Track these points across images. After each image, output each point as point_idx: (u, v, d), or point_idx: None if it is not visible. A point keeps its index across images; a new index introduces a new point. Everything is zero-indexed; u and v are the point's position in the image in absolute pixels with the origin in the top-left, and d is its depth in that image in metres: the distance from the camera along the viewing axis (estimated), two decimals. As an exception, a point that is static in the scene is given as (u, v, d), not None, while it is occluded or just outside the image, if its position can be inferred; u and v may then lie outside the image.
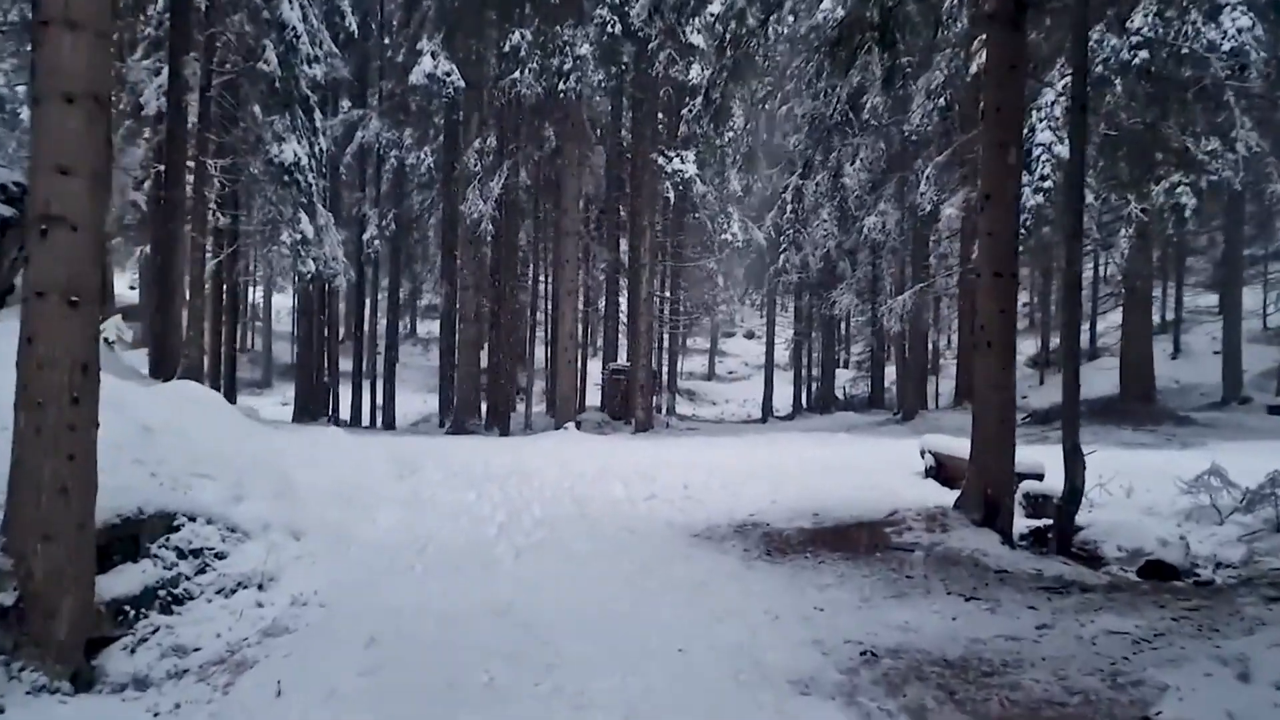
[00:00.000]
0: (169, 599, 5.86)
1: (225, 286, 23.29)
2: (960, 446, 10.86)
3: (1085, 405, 27.73)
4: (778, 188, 18.54)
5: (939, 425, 21.21)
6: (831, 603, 6.00)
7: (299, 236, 12.56)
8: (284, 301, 43.13)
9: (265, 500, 7.49)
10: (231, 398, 24.21)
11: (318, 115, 12.96)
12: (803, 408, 34.11)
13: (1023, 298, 41.12)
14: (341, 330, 38.23)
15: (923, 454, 11.26)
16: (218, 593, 6.12)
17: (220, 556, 6.39)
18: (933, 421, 22.06)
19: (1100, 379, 30.55)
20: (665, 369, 32.01)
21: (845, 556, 7.28)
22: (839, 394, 33.96)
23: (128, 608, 5.58)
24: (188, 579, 6.08)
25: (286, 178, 12.32)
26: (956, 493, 10.08)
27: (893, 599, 6.07)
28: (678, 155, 18.05)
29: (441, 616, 5.74)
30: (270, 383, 39.87)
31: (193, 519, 6.42)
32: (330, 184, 23.55)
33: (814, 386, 36.13)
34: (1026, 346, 38.41)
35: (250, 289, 47.36)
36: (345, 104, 21.16)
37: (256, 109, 14.86)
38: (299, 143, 12.28)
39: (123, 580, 5.71)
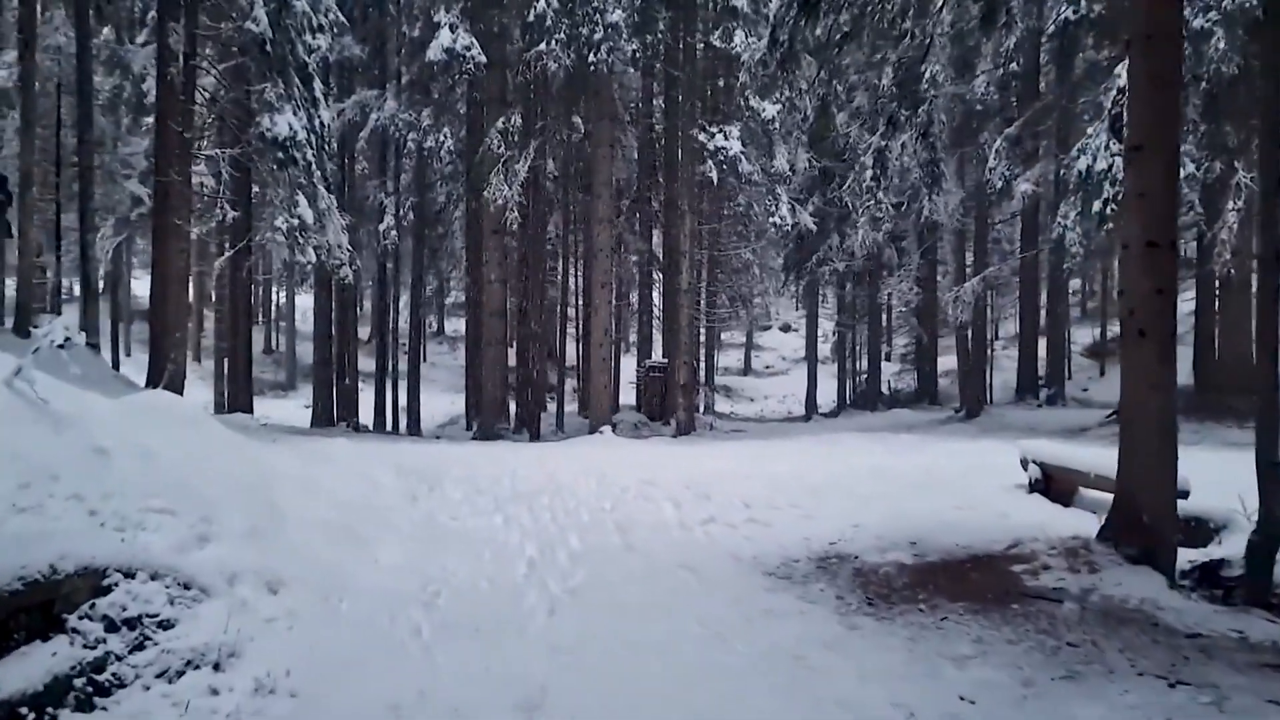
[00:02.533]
0: (89, 690, 4.38)
1: (238, 284, 22.06)
2: (1070, 455, 9.26)
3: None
4: (849, 155, 16.41)
5: (1006, 423, 19.48)
6: (982, 688, 4.40)
7: (295, 221, 11.03)
8: (310, 301, 42.05)
9: (238, 540, 6.02)
10: (248, 403, 23.02)
11: (318, 85, 11.43)
12: (847, 403, 32.40)
13: (1074, 283, 38.90)
14: (366, 330, 37.11)
15: (1024, 464, 9.59)
16: (159, 676, 4.63)
17: (166, 625, 4.90)
18: (998, 418, 20.33)
19: (1167, 369, 28.58)
20: (702, 364, 30.43)
21: (972, 608, 5.67)
22: (884, 389, 32.24)
23: (25, 710, 4.10)
24: (118, 659, 4.59)
25: (280, 154, 10.77)
26: (1075, 513, 8.49)
27: (1065, 681, 4.46)
28: (720, 131, 16.40)
29: (451, 714, 4.22)
30: (295, 385, 38.74)
31: (131, 574, 4.94)
32: (344, 171, 22.17)
33: (858, 381, 34.38)
34: (1081, 335, 36.39)
35: (275, 288, 46.45)
36: (363, 91, 19.67)
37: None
38: (295, 114, 10.76)
39: (23, 669, 4.23)
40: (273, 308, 46.72)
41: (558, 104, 19.00)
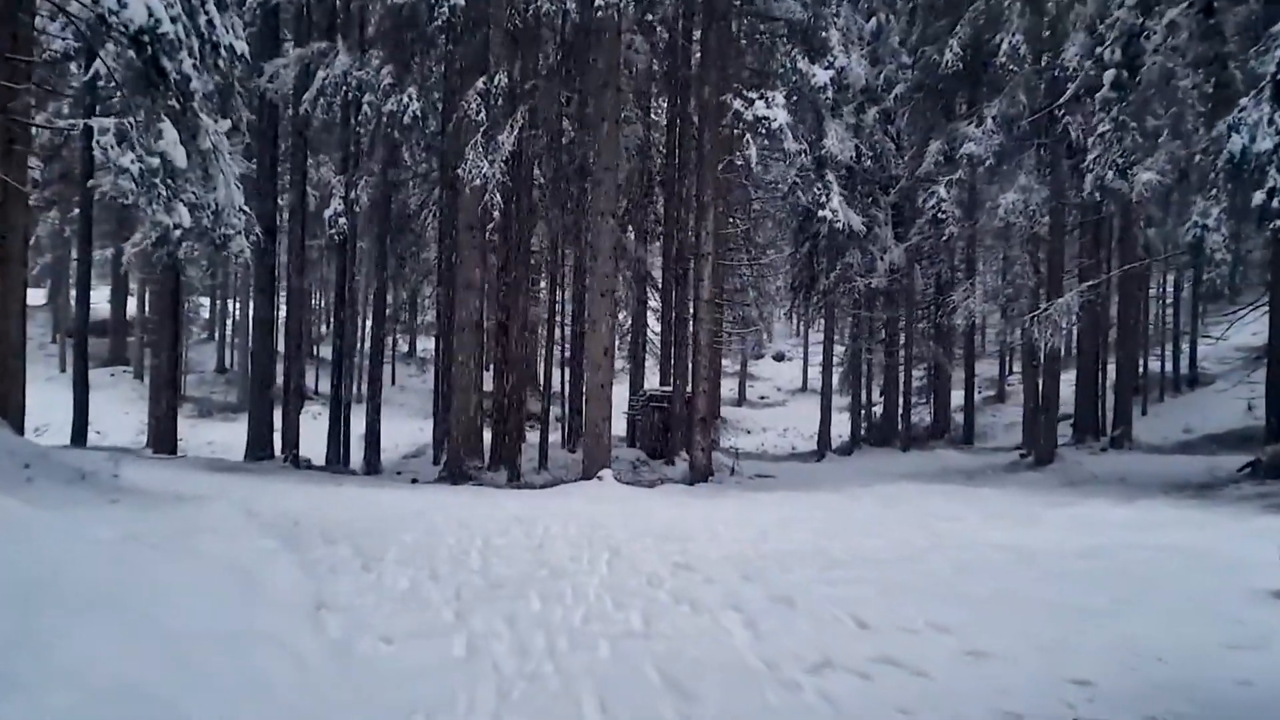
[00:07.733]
0: None
1: (165, 286, 18.56)
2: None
3: (1216, 442, 22.14)
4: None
5: (1090, 472, 16.04)
6: None
7: (155, 162, 7.26)
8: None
9: None
10: (172, 430, 19.51)
11: (208, -32, 7.90)
12: (861, 439, 28.94)
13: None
14: (325, 347, 33.37)
15: (1293, 560, 6.13)
16: None
17: None
18: (1075, 466, 16.88)
19: (1221, 408, 25.33)
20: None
21: None
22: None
23: None
24: None
25: (136, 53, 7.06)
26: None
27: None
28: (761, 96, 12.89)
29: None
30: (247, 408, 34.96)
31: None
32: (298, 154, 18.65)
33: (871, 414, 30.96)
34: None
35: (233, 301, 42.71)
36: (313, 44, 15.95)
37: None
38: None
39: None
40: (229, 322, 42.96)
41: (554, 70, 15.53)
